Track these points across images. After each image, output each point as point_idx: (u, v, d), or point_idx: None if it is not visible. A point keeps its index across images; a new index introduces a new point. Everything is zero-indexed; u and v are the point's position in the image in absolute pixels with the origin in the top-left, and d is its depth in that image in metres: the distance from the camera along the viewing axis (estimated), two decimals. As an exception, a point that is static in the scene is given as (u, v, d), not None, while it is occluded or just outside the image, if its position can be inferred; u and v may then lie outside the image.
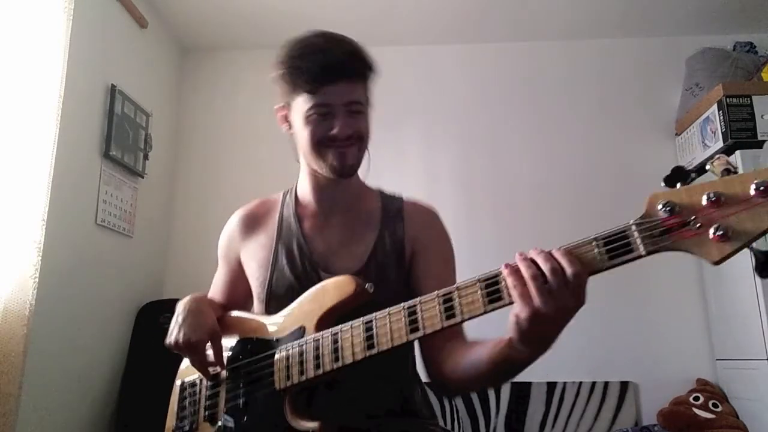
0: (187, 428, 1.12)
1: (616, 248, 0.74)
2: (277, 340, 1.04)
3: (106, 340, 2.41)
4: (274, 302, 1.13)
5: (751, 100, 2.46)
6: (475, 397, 2.61)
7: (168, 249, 2.94)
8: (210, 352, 1.08)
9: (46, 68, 1.92)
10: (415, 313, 0.87)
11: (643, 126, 2.96)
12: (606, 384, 2.63)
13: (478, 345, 0.96)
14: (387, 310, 0.90)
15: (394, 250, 1.15)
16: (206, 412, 1.10)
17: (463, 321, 0.83)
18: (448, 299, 0.84)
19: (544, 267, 0.75)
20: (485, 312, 0.81)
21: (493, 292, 0.81)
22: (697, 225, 0.70)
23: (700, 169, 0.73)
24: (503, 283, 0.80)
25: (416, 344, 1.09)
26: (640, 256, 0.73)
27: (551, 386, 2.62)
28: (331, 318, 0.99)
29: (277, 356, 1.01)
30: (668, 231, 0.71)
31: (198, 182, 3.03)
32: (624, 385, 2.63)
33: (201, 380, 1.14)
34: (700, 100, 2.68)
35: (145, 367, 2.42)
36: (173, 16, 2.89)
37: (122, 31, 2.59)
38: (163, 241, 2.92)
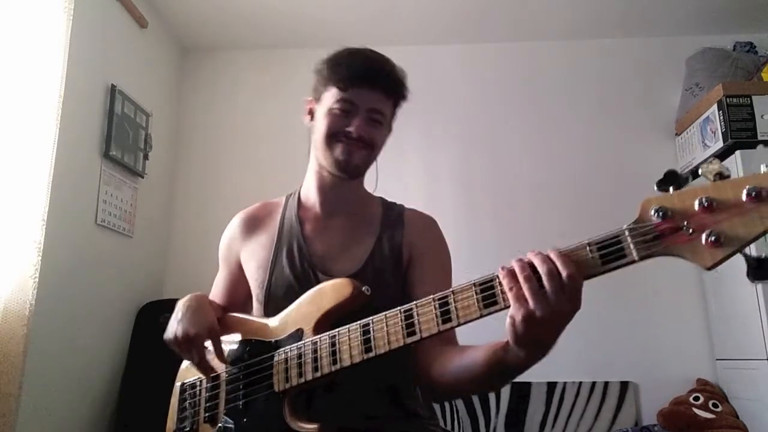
0: (187, 429, 1.12)
1: (610, 253, 0.74)
2: (276, 342, 1.05)
3: (106, 340, 2.41)
4: (273, 303, 1.14)
5: (751, 100, 2.46)
6: (475, 397, 2.61)
7: (168, 249, 2.94)
8: (209, 349, 1.08)
9: (46, 68, 1.92)
10: (411, 317, 0.87)
11: (643, 126, 2.96)
12: (606, 384, 2.63)
13: (471, 349, 0.96)
14: (384, 313, 0.91)
15: (392, 254, 1.16)
16: (206, 414, 1.10)
17: (459, 325, 0.84)
18: (444, 303, 0.85)
19: (541, 269, 0.75)
20: (481, 316, 0.82)
21: (488, 296, 0.81)
22: (690, 230, 0.70)
23: (698, 171, 0.73)
24: (498, 287, 0.80)
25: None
26: (633, 262, 0.73)
27: (551, 386, 2.62)
28: (328, 321, 0.99)
29: (275, 358, 1.02)
30: (661, 236, 0.71)
31: (198, 182, 3.03)
32: (624, 385, 2.63)
33: (201, 381, 1.14)
34: (700, 100, 2.68)
35: (145, 367, 2.42)
36: (173, 16, 2.89)
37: (122, 31, 2.59)
38: (163, 241, 2.92)
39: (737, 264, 0.69)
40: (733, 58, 2.72)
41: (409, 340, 0.87)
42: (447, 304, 0.84)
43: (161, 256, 2.90)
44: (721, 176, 0.69)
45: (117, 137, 2.45)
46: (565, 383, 2.63)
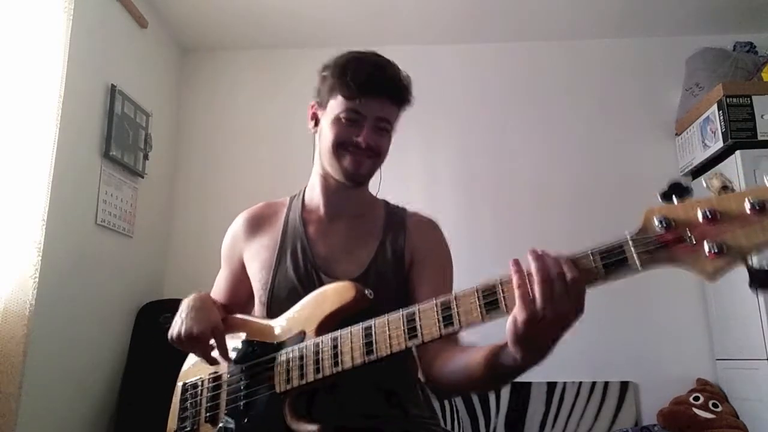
0: (188, 429, 1.13)
1: (612, 263, 0.74)
2: (278, 343, 1.05)
3: (106, 340, 2.42)
4: (276, 304, 1.14)
5: (751, 100, 2.46)
6: (475, 397, 2.61)
7: (168, 249, 2.94)
8: (213, 346, 1.09)
9: (46, 68, 1.92)
10: (413, 320, 0.88)
11: (643, 126, 2.96)
12: (606, 384, 2.63)
13: (471, 349, 0.97)
14: (386, 316, 0.91)
15: (394, 258, 1.17)
16: (207, 414, 1.11)
17: (460, 330, 0.84)
18: (446, 307, 0.85)
19: (552, 272, 0.75)
20: (483, 321, 0.82)
21: (491, 302, 0.81)
22: (693, 241, 0.70)
23: (700, 170, 0.73)
24: (501, 293, 0.80)
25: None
26: (636, 271, 0.73)
27: (551, 386, 2.62)
28: (331, 323, 0.99)
29: (277, 359, 1.02)
30: (664, 246, 0.72)
31: (198, 182, 3.03)
32: (624, 385, 2.63)
33: (202, 382, 1.15)
34: (700, 100, 2.68)
35: (145, 367, 2.42)
36: (173, 16, 2.88)
37: (122, 31, 2.59)
38: (163, 241, 2.92)
39: (732, 269, 0.70)
40: (733, 58, 2.72)
41: (411, 343, 0.87)
42: (449, 308, 0.84)
43: (161, 256, 2.90)
44: (725, 189, 0.70)
45: (117, 137, 2.45)
46: (565, 383, 2.63)
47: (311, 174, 1.25)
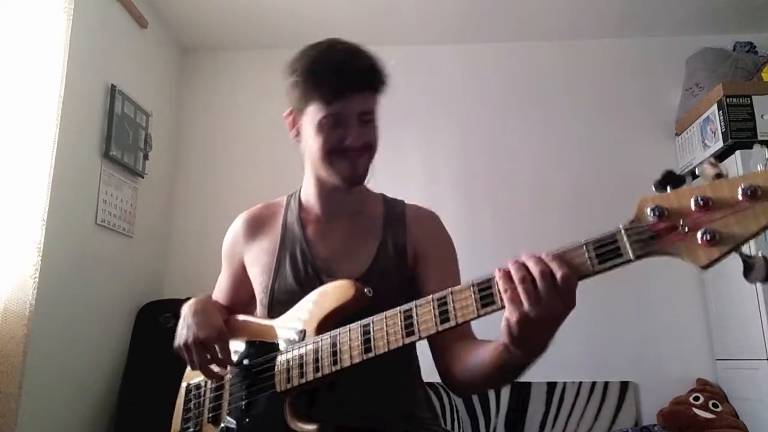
0: (191, 430, 1.13)
1: (606, 253, 0.74)
2: (279, 343, 1.05)
3: (106, 340, 2.42)
4: (277, 307, 1.14)
5: (751, 100, 2.46)
6: (475, 397, 2.62)
7: (168, 249, 2.94)
8: (218, 351, 1.09)
9: (46, 68, 1.92)
10: (411, 317, 0.88)
11: (643, 126, 2.96)
12: (606, 384, 2.63)
13: (481, 347, 0.97)
14: (384, 313, 0.91)
15: (396, 255, 1.16)
16: (210, 414, 1.11)
17: (457, 325, 0.84)
18: (442, 303, 0.85)
19: (534, 271, 0.76)
20: (479, 316, 0.82)
21: (486, 296, 0.81)
22: (686, 229, 0.69)
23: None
24: (496, 287, 0.80)
25: (428, 348, 1.10)
26: (629, 261, 0.73)
27: (551, 386, 2.62)
28: (331, 322, 0.99)
29: (278, 359, 1.02)
30: (657, 235, 0.71)
31: (198, 182, 3.03)
32: (624, 385, 2.63)
33: (206, 382, 1.15)
34: (700, 100, 2.68)
35: (145, 367, 2.42)
36: (173, 16, 2.89)
37: (122, 31, 2.59)
38: (163, 241, 2.92)
39: (737, 263, 0.69)
40: (733, 58, 2.72)
41: (408, 340, 0.87)
42: (445, 304, 0.85)
43: (161, 256, 2.90)
44: (719, 176, 0.69)
45: (117, 137, 2.45)
46: (565, 383, 2.63)
47: (305, 175, 1.23)
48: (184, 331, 1.09)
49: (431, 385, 1.20)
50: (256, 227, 1.25)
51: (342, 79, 1.06)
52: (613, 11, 2.86)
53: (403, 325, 0.88)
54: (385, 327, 0.90)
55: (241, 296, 1.27)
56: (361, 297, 0.98)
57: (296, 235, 1.20)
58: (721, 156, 2.51)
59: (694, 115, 2.69)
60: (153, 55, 2.87)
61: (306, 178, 1.23)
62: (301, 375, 0.97)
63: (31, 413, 1.89)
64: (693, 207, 0.69)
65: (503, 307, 0.79)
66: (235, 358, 1.10)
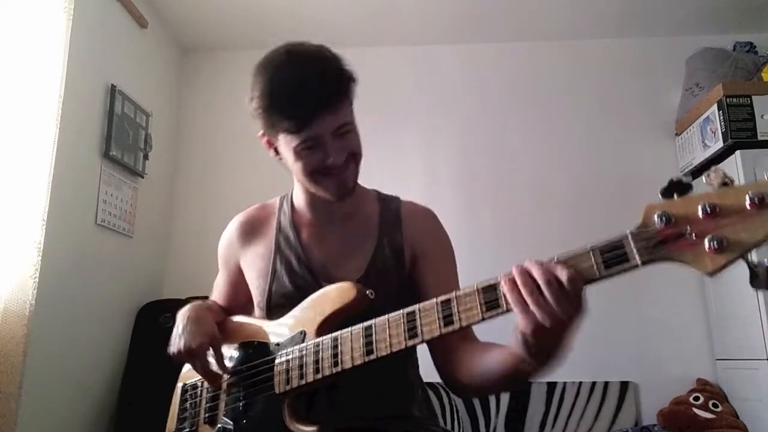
0: (187, 430, 1.12)
1: (612, 258, 0.74)
2: (278, 344, 1.04)
3: (106, 340, 2.41)
4: (275, 311, 1.13)
5: (751, 100, 2.46)
6: (474, 397, 2.62)
7: (168, 249, 2.94)
8: (211, 358, 1.08)
9: (46, 68, 1.92)
10: (414, 320, 0.87)
11: (643, 126, 2.96)
12: (606, 384, 2.63)
13: (489, 353, 0.96)
14: (386, 316, 0.90)
15: (393, 256, 1.15)
16: (206, 415, 1.10)
17: (461, 328, 0.84)
18: (446, 306, 0.85)
19: (540, 279, 0.75)
20: (483, 320, 0.82)
21: (490, 300, 0.81)
22: (693, 236, 0.69)
23: (700, 170, 0.73)
24: (501, 291, 0.80)
25: (426, 348, 1.09)
26: (636, 267, 0.73)
27: (551, 386, 2.62)
28: (332, 324, 0.99)
29: (277, 360, 1.02)
30: (664, 242, 0.71)
31: (198, 182, 3.03)
32: (624, 385, 2.63)
33: (202, 383, 1.14)
34: (700, 100, 2.68)
35: (145, 367, 2.42)
36: (173, 16, 2.88)
37: (122, 31, 2.59)
38: (163, 241, 2.92)
39: (737, 264, 0.69)
40: (733, 58, 2.72)
41: (411, 342, 0.87)
42: (450, 307, 0.84)
43: (161, 256, 2.90)
44: (725, 184, 0.69)
45: (117, 137, 2.45)
46: (565, 383, 2.63)
47: (294, 182, 1.20)
48: (177, 339, 1.08)
49: (431, 385, 1.20)
50: (250, 231, 1.24)
51: (306, 106, 0.99)
52: (613, 11, 2.86)
53: (406, 328, 0.88)
54: (388, 329, 0.89)
55: (240, 298, 1.26)
56: (363, 298, 0.97)
57: (291, 239, 1.18)
58: (721, 156, 2.51)
59: (694, 115, 2.69)
60: (153, 55, 2.87)
61: (296, 185, 1.21)
62: (301, 376, 0.97)
63: (31, 413, 1.89)
64: (700, 214, 0.69)
65: (508, 310, 0.79)
66: (233, 358, 1.09)
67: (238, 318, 1.19)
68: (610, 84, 3.02)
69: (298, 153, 1.05)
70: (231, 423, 1.04)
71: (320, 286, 1.09)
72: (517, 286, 0.77)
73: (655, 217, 0.72)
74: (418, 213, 1.22)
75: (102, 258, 2.37)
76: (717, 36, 2.93)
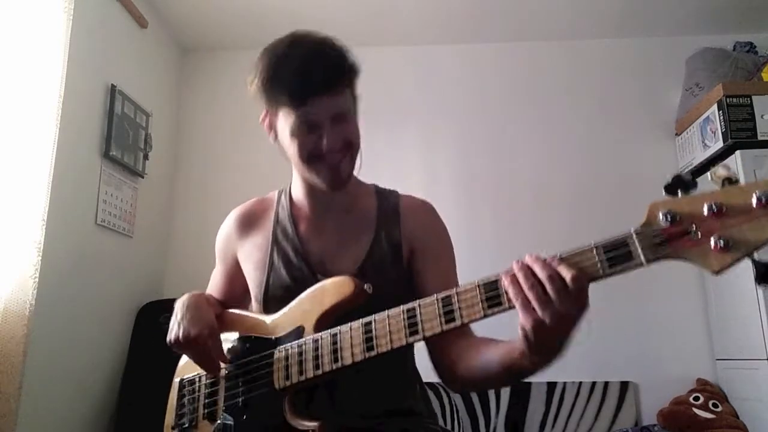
0: (186, 425, 1.12)
1: (616, 256, 0.73)
2: (276, 339, 1.04)
3: (106, 340, 2.41)
4: (272, 304, 1.13)
5: (751, 100, 2.46)
6: (475, 397, 2.61)
7: (168, 249, 2.94)
8: (210, 348, 1.08)
9: (46, 68, 1.92)
10: (414, 316, 0.87)
11: (643, 126, 2.96)
12: (606, 384, 2.63)
13: (489, 347, 0.96)
14: (386, 312, 0.90)
15: (391, 250, 1.14)
16: (205, 410, 1.10)
17: (462, 325, 0.83)
18: (447, 303, 0.84)
19: (541, 275, 0.75)
20: (485, 316, 0.81)
21: (492, 296, 0.81)
22: (698, 235, 0.69)
23: (700, 170, 0.73)
24: (502, 288, 0.80)
25: (424, 345, 1.09)
26: (641, 265, 0.72)
27: (551, 386, 2.62)
28: (329, 318, 0.99)
29: (276, 355, 1.02)
30: (669, 240, 0.71)
31: (198, 182, 3.03)
32: (624, 385, 2.63)
33: (200, 378, 1.14)
34: (700, 100, 2.68)
35: (145, 367, 2.42)
36: (173, 16, 2.89)
37: (122, 31, 2.59)
38: (163, 241, 2.92)
39: (738, 264, 0.69)
40: (733, 58, 2.72)
41: (412, 339, 0.87)
42: (450, 303, 0.84)
43: (161, 256, 2.90)
44: (729, 181, 0.69)
45: (117, 137, 2.45)
46: (565, 383, 2.63)
47: (293, 173, 1.20)
48: (175, 327, 1.08)
49: (431, 385, 1.20)
50: (248, 223, 1.24)
51: (306, 83, 1.01)
52: (613, 11, 2.86)
53: (406, 324, 0.88)
54: (388, 325, 0.89)
55: (236, 291, 1.26)
56: (360, 293, 0.97)
57: (288, 232, 1.18)
58: (721, 156, 2.51)
59: (694, 115, 2.69)
60: (153, 55, 2.87)
61: (294, 175, 1.21)
62: (301, 372, 0.97)
63: (31, 413, 1.89)
64: (706, 212, 0.69)
65: (510, 307, 0.79)
66: (230, 353, 1.09)
67: (234, 311, 1.19)
68: (610, 84, 3.02)
69: (295, 132, 1.04)
70: (231, 418, 1.03)
71: (316, 279, 1.09)
72: (518, 280, 0.77)
73: (660, 215, 0.71)
74: (417, 207, 1.22)
75: (102, 258, 2.37)
76: (717, 36, 2.93)
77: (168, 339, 1.09)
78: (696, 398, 2.48)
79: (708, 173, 0.71)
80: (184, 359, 1.19)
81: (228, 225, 1.28)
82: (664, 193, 0.73)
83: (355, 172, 1.17)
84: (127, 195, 2.57)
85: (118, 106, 2.47)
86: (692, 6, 2.81)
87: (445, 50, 3.10)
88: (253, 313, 1.17)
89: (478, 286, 0.82)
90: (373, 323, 0.91)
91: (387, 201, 1.21)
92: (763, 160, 2.38)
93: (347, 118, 1.07)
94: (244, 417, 1.02)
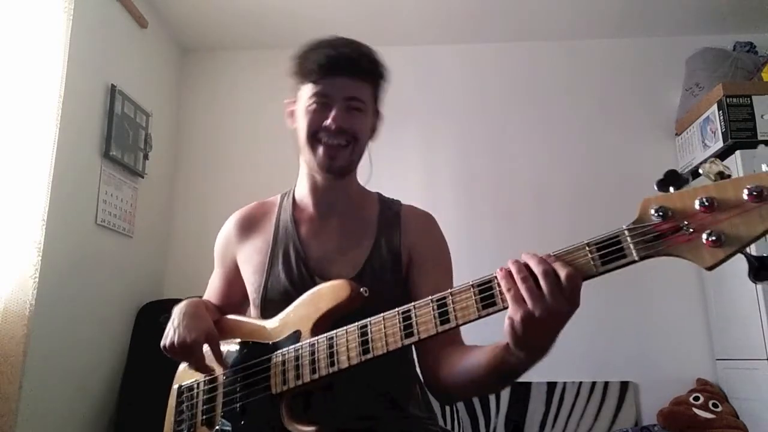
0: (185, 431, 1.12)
1: (609, 254, 0.73)
2: (273, 344, 1.04)
3: (106, 340, 2.41)
4: (270, 307, 1.13)
5: (751, 100, 2.46)
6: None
7: (168, 249, 2.94)
8: (207, 354, 1.08)
9: (46, 68, 1.92)
10: (409, 318, 0.87)
11: (643, 126, 2.96)
12: (606, 384, 2.63)
13: (475, 350, 0.96)
14: (382, 315, 0.90)
15: (390, 257, 1.15)
16: (203, 416, 1.10)
17: (457, 326, 0.83)
18: (442, 304, 0.84)
19: (537, 270, 0.75)
20: (479, 317, 0.81)
21: (486, 297, 0.81)
22: (690, 230, 0.69)
23: (698, 171, 0.73)
24: (497, 288, 0.80)
25: (413, 348, 1.09)
26: (633, 262, 0.72)
27: (551, 386, 2.62)
28: (326, 322, 0.99)
29: (273, 360, 1.02)
30: (661, 236, 0.71)
31: (198, 182, 3.03)
32: (624, 385, 2.63)
33: (198, 384, 1.14)
34: (700, 100, 2.68)
35: (145, 367, 2.42)
36: (173, 16, 2.88)
37: (122, 31, 2.59)
38: (163, 241, 2.92)
39: (738, 264, 0.69)
40: (733, 58, 2.72)
41: (407, 341, 0.87)
42: (445, 305, 0.84)
43: (161, 256, 2.90)
44: (722, 176, 0.69)
45: (117, 137, 2.45)
46: (565, 383, 2.63)
47: (299, 172, 1.23)
48: (170, 333, 1.07)
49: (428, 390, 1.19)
50: (248, 226, 1.25)
51: (328, 59, 1.09)
52: (613, 11, 2.86)
53: (401, 326, 0.88)
54: (384, 328, 0.89)
55: (234, 296, 1.26)
56: (357, 297, 0.97)
57: (290, 233, 1.19)
58: (721, 156, 2.51)
59: (694, 115, 2.69)
60: (153, 55, 2.87)
61: (300, 175, 1.22)
62: (298, 377, 0.97)
63: (31, 413, 1.89)
64: (698, 207, 0.69)
65: (504, 308, 0.79)
66: (228, 359, 1.09)
67: (232, 317, 1.19)
68: (610, 84, 3.02)
69: (308, 108, 1.11)
70: (229, 424, 1.03)
71: (315, 282, 1.09)
72: (511, 273, 0.77)
73: (652, 211, 0.71)
74: (418, 217, 1.23)
75: (102, 258, 2.38)
76: (717, 36, 2.92)
77: (162, 344, 1.08)
78: (696, 398, 2.48)
79: (700, 168, 0.71)
80: (183, 365, 1.19)
81: (228, 228, 1.28)
82: (655, 188, 0.73)
83: (363, 182, 1.23)
84: (127, 195, 2.57)
85: (118, 106, 2.47)
86: (692, 6, 2.81)
87: (445, 50, 3.10)
88: (251, 318, 1.17)
89: (472, 286, 0.82)
90: (368, 326, 0.91)
91: (389, 209, 1.22)
92: (763, 159, 2.38)
93: (360, 110, 1.12)
94: (242, 422, 1.02)
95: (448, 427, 2.55)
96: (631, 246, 0.72)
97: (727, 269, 0.70)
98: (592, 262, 0.74)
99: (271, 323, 1.08)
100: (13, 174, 1.79)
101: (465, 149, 2.98)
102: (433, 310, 0.85)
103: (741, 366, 2.44)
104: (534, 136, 2.98)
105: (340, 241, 1.17)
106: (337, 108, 1.09)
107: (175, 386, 1.19)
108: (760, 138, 2.42)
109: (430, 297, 0.86)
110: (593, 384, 2.63)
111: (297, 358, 0.98)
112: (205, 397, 1.11)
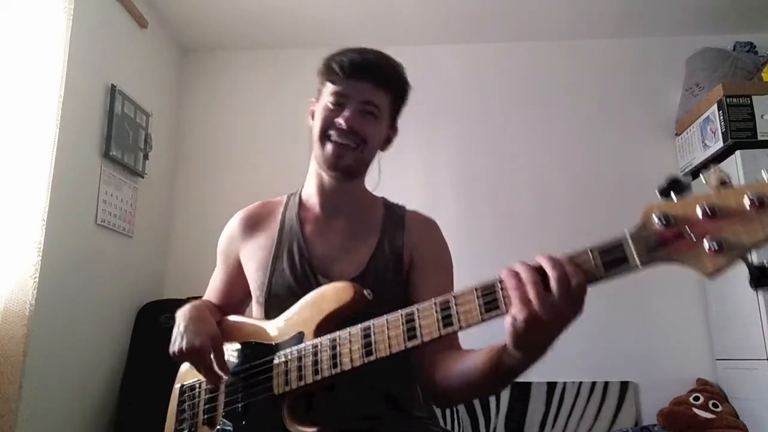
0: (185, 431, 1.12)
1: (611, 260, 0.74)
2: (276, 345, 1.04)
3: (106, 340, 2.41)
4: (273, 305, 1.13)
5: (751, 100, 2.46)
6: (474, 397, 2.62)
7: (168, 249, 2.94)
8: (213, 357, 1.08)
9: (46, 68, 1.92)
10: (413, 320, 0.87)
11: (643, 126, 2.96)
12: (606, 384, 2.63)
13: (471, 353, 0.96)
14: (385, 317, 0.90)
15: (392, 258, 1.16)
16: (205, 416, 1.10)
17: (460, 329, 0.83)
18: (445, 307, 0.84)
19: (551, 274, 0.74)
20: (482, 320, 0.81)
21: (490, 301, 0.81)
22: (692, 237, 0.69)
23: (700, 170, 0.73)
24: (500, 292, 0.79)
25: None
26: (636, 268, 0.73)
27: (551, 386, 2.62)
28: (329, 324, 0.99)
29: (275, 361, 1.02)
30: (663, 243, 0.71)
31: (198, 182, 3.03)
32: (624, 385, 2.63)
33: (200, 384, 1.14)
34: (700, 100, 2.68)
35: (145, 367, 2.42)
36: (173, 16, 2.88)
37: (122, 31, 2.59)
38: (163, 241, 2.92)
39: (733, 266, 0.69)
40: (733, 58, 2.72)
41: (410, 344, 0.87)
42: (449, 308, 0.84)
43: (161, 256, 2.90)
44: (723, 184, 0.69)
45: (117, 137, 2.45)
46: (565, 383, 2.63)
47: (308, 172, 1.24)
48: (178, 339, 1.08)
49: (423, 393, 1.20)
50: (253, 224, 1.25)
51: (352, 63, 1.12)
52: (613, 11, 2.86)
53: (404, 329, 0.87)
54: (387, 331, 0.89)
55: (235, 296, 1.26)
56: (360, 299, 0.97)
57: (294, 231, 1.19)
58: (721, 156, 2.51)
59: (694, 115, 2.69)
60: (153, 55, 2.87)
61: (309, 174, 1.24)
62: (300, 378, 0.97)
63: (31, 413, 1.89)
64: (699, 215, 0.69)
65: (507, 313, 0.78)
66: (231, 359, 1.09)
67: (235, 318, 1.19)
68: (610, 84, 3.02)
69: (325, 107, 1.14)
70: (230, 424, 1.04)
71: (318, 281, 1.10)
72: (518, 274, 0.77)
73: (655, 217, 0.71)
74: (421, 221, 1.24)
75: (102, 258, 2.37)
76: (717, 36, 2.92)
77: (171, 350, 1.08)
78: (696, 398, 2.48)
79: (702, 176, 0.71)
80: (185, 365, 1.19)
81: (232, 226, 1.28)
82: (658, 195, 0.73)
83: (370, 188, 1.25)
84: (127, 195, 2.57)
85: (118, 106, 2.47)
86: (692, 6, 2.81)
87: (445, 50, 3.10)
88: (254, 319, 1.17)
89: (476, 289, 0.82)
90: (371, 328, 0.91)
91: (394, 212, 1.24)
92: (763, 159, 2.38)
93: (375, 115, 1.14)
94: (243, 423, 1.03)
95: (448, 427, 2.55)
96: (634, 253, 0.72)
97: (727, 270, 0.70)
98: (595, 269, 0.74)
99: (273, 324, 1.09)
100: (13, 174, 1.79)
101: (465, 149, 2.98)
102: (437, 312, 0.85)
103: (741, 366, 2.45)
104: (534, 136, 2.98)
105: (344, 241, 1.18)
106: (352, 109, 1.12)
107: (177, 385, 1.19)
108: (760, 138, 2.42)
109: (433, 300, 0.86)
110: (593, 384, 2.63)
111: (300, 359, 0.98)
112: (206, 396, 1.11)
